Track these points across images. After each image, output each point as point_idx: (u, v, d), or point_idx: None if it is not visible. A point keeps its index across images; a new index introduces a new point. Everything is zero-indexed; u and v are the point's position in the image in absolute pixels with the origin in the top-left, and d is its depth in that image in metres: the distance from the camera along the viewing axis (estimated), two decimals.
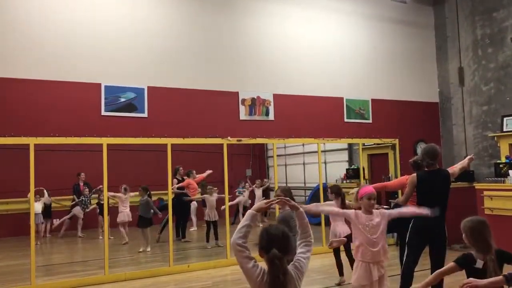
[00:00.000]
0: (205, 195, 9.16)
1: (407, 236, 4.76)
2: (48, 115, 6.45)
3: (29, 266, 6.19)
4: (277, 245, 2.30)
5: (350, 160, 11.61)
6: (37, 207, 9.77)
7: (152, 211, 8.94)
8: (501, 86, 8.68)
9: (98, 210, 10.43)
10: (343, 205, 5.86)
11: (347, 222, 5.15)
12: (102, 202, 9.32)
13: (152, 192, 9.25)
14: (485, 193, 7.72)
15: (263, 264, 2.37)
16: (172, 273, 6.93)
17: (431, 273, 4.68)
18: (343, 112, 8.74)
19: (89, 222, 11.02)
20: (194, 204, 10.91)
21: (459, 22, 9.42)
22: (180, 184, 9.76)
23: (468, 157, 5.21)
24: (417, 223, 4.62)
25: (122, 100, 6.93)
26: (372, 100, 9.03)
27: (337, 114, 8.67)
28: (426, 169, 4.78)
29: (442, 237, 4.62)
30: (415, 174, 4.88)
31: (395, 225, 5.59)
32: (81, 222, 10.82)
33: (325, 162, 11.92)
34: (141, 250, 8.67)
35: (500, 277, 2.75)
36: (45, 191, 10.09)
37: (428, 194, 4.62)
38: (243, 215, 13.47)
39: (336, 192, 6.00)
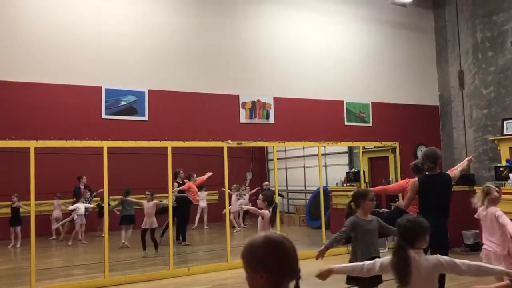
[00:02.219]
0: (143, 201, 8.83)
1: None
2: (49, 118, 6.46)
3: (29, 270, 6.18)
4: (400, 236, 2.94)
5: (351, 163, 11.59)
6: (81, 208, 10.09)
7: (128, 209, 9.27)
8: (501, 90, 8.68)
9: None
10: (274, 215, 5.34)
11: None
12: (102, 205, 9.34)
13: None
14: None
15: None
16: (172, 276, 6.92)
17: None
18: (344, 115, 8.74)
19: (90, 225, 11.00)
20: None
21: (459, 26, 9.43)
22: (180, 188, 9.75)
23: (467, 158, 5.20)
24: None
25: (123, 103, 6.94)
26: (373, 103, 9.03)
27: (337, 117, 8.68)
28: (427, 172, 4.78)
29: (444, 241, 4.60)
30: (416, 179, 4.88)
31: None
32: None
33: (325, 165, 11.91)
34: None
35: (507, 281, 2.74)
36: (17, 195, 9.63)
37: (430, 198, 4.62)
38: (244, 218, 13.32)
39: (269, 201, 5.34)
